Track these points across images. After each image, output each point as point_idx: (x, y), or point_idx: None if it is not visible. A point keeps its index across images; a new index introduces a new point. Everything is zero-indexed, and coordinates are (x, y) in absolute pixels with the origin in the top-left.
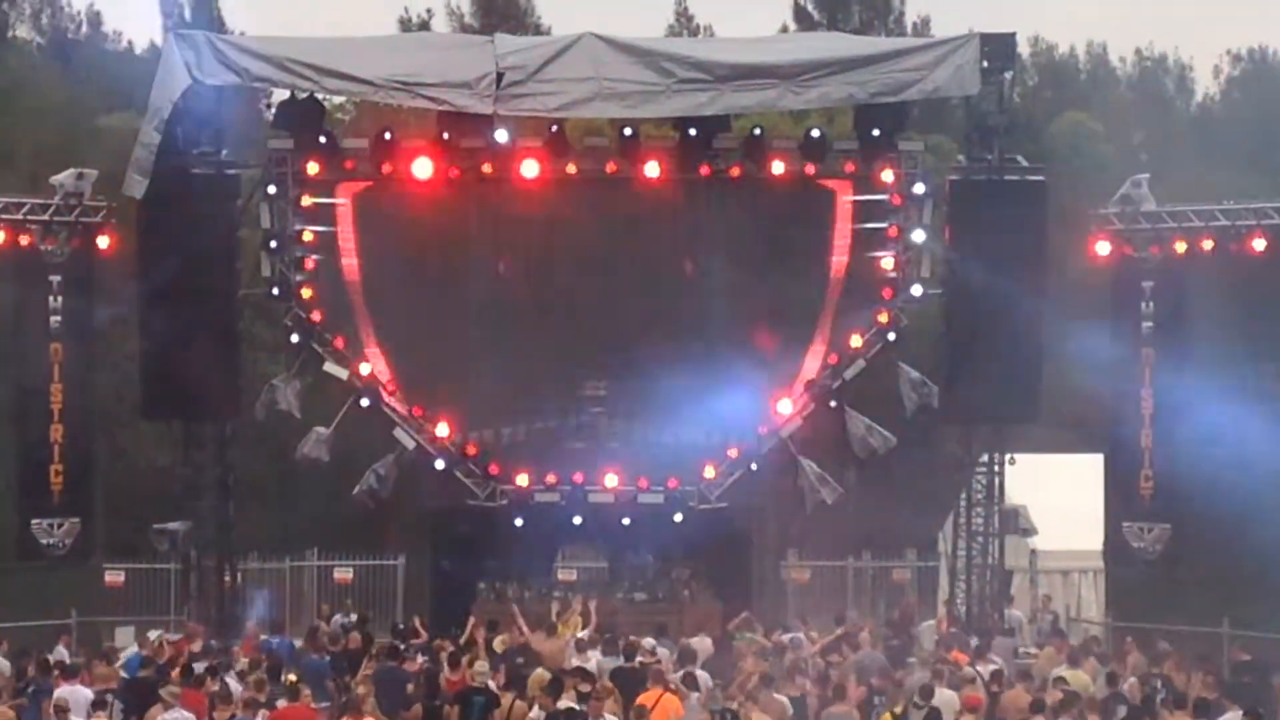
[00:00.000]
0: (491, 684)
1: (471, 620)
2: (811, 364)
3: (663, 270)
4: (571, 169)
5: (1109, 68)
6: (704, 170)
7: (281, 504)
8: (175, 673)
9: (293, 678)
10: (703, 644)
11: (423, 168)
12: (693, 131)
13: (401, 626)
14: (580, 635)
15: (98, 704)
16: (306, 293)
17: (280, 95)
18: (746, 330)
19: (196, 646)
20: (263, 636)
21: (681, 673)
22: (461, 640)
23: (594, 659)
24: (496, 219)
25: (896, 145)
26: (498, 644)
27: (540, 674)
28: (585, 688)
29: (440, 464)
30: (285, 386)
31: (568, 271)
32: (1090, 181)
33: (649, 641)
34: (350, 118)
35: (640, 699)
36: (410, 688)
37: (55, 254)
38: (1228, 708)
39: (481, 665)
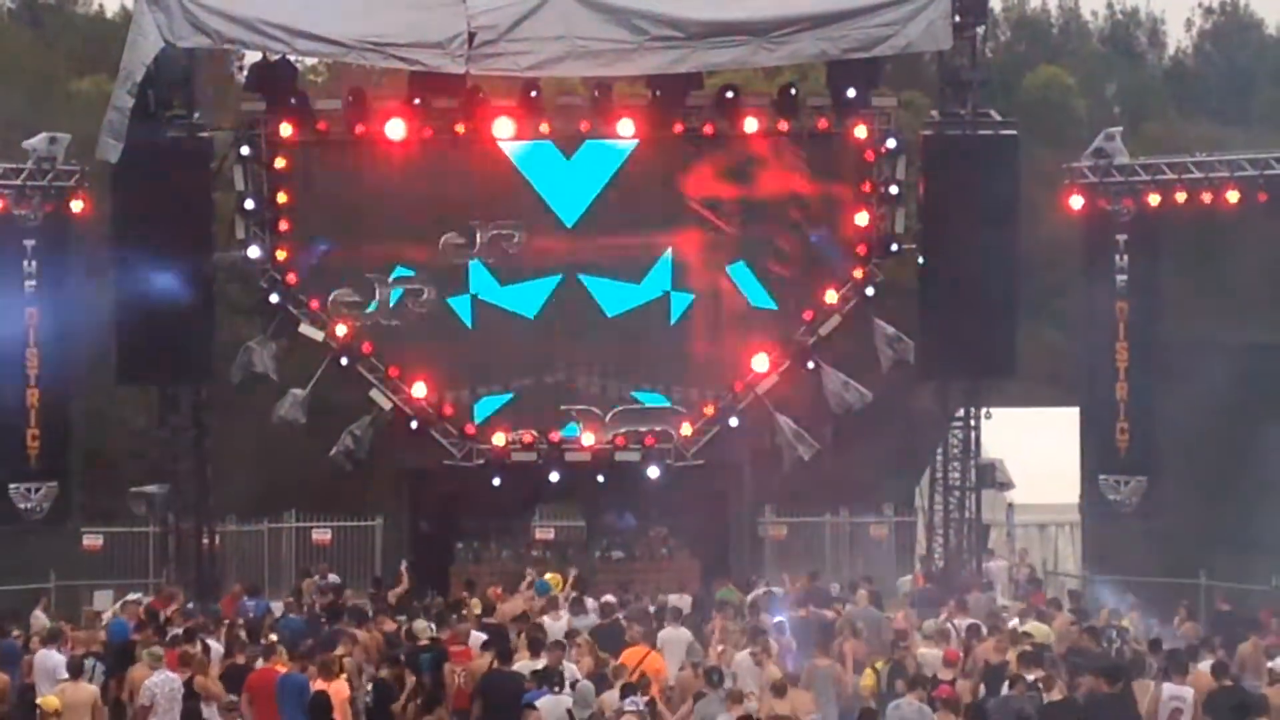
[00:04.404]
0: (473, 641)
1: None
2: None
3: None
4: (544, 129)
5: (1081, 21)
6: (677, 128)
7: (259, 466)
8: (149, 633)
9: (273, 638)
10: (682, 601)
11: (395, 128)
12: (657, 93)
13: (379, 577)
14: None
15: (74, 669)
16: (281, 254)
17: (252, 57)
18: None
19: (172, 609)
20: (242, 599)
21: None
22: (447, 601)
23: (564, 618)
24: (468, 178)
25: (870, 101)
26: (474, 604)
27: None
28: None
29: (416, 424)
30: (261, 349)
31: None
32: (1063, 135)
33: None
34: (323, 79)
35: (623, 657)
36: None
37: (29, 219)
38: (1202, 656)
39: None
